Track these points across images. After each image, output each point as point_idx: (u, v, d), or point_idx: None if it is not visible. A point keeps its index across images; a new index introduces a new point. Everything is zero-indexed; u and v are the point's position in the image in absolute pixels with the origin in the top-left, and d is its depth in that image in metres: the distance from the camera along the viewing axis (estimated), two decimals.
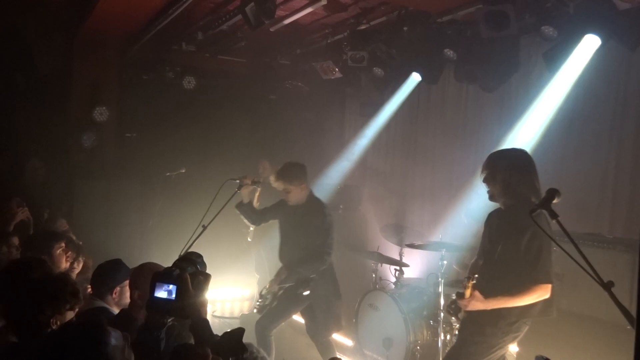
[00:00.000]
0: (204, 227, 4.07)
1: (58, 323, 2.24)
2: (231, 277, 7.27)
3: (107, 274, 3.08)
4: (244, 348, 1.94)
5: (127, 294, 3.04)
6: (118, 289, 3.05)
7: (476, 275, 3.16)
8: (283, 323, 4.57)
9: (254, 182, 4.44)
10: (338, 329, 4.65)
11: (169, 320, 1.96)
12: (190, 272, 1.94)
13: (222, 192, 4.29)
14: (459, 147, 6.29)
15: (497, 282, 3.17)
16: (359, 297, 5.49)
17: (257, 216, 4.63)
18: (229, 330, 1.96)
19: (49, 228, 5.02)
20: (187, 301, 1.87)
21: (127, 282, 3.07)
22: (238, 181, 4.43)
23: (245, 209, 4.58)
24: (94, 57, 6.86)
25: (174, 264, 1.97)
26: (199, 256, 2.05)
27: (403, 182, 7.05)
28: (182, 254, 3.82)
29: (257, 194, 4.67)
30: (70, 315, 2.32)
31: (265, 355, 2.17)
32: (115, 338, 1.75)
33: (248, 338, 2.18)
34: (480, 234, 3.56)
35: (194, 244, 4.07)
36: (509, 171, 3.22)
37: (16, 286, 2.33)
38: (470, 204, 5.12)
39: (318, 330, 4.47)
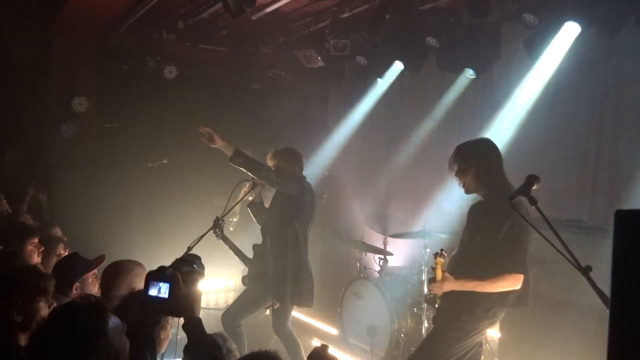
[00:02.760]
0: (217, 219, 4.32)
1: (22, 315, 2.19)
2: (216, 268, 7.21)
3: (65, 270, 3.04)
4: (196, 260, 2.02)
5: (90, 287, 3.01)
6: (78, 284, 3.01)
7: (445, 252, 3.20)
8: (252, 314, 4.58)
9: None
10: (303, 304, 4.50)
11: (162, 318, 1.96)
12: (185, 271, 1.93)
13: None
14: (442, 135, 6.30)
15: (472, 268, 3.20)
16: (344, 286, 5.51)
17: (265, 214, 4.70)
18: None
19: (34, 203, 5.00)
20: (179, 299, 1.87)
21: (87, 275, 3.04)
22: (251, 181, 4.56)
23: (256, 208, 4.70)
24: (72, 46, 6.72)
25: (171, 264, 1.97)
26: (197, 257, 2.06)
27: (387, 170, 7.05)
28: (191, 245, 3.90)
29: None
30: (43, 307, 2.26)
31: (232, 346, 2.16)
32: (113, 322, 1.78)
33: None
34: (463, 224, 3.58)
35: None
36: (480, 163, 3.25)
37: None
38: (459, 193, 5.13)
39: (277, 314, 4.44)
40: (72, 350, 1.68)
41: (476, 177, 3.24)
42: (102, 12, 6.03)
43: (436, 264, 3.15)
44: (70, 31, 6.53)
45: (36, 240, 3.66)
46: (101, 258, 3.21)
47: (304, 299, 4.41)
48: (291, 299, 4.37)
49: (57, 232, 4.71)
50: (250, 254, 4.99)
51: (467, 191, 3.33)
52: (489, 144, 3.35)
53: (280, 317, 4.48)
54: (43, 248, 3.70)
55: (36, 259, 3.62)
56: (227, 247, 4.62)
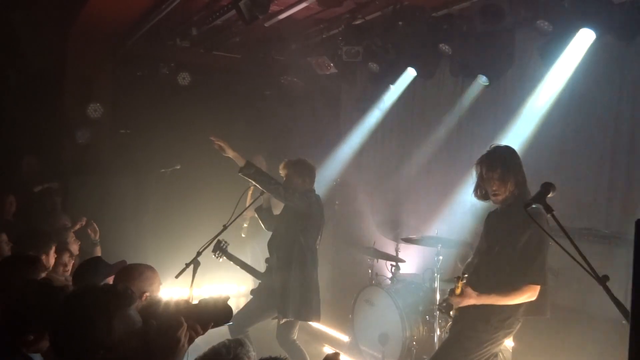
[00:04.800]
0: (225, 227, 4.21)
1: None
2: (226, 273, 7.24)
3: (88, 273, 3.06)
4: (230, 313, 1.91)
5: None
6: None
7: (466, 275, 3.15)
8: (260, 321, 4.57)
9: None
10: (304, 318, 4.47)
11: None
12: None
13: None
14: (455, 142, 6.27)
15: (491, 279, 3.16)
16: (355, 293, 5.48)
17: (274, 222, 4.70)
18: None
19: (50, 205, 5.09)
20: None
21: (108, 280, 3.05)
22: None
23: (264, 213, 4.72)
24: (88, 53, 6.82)
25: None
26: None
27: (399, 177, 7.03)
28: (200, 250, 3.92)
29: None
30: None
31: (240, 352, 2.15)
32: (134, 312, 1.75)
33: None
34: (479, 232, 3.54)
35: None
36: (520, 170, 3.18)
37: (9, 290, 2.26)
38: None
39: (281, 325, 4.44)
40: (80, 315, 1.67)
41: (515, 185, 3.14)
42: (117, 19, 6.10)
43: (458, 287, 3.09)
44: (86, 38, 6.62)
45: (55, 245, 3.72)
46: (122, 263, 3.24)
47: (311, 315, 4.40)
48: (296, 315, 4.37)
49: (72, 236, 4.76)
50: (260, 260, 5.00)
51: (498, 198, 3.21)
52: (515, 152, 3.28)
53: (284, 330, 4.46)
54: (56, 256, 3.75)
55: (52, 261, 3.67)
56: (239, 255, 4.63)
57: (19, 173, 6.37)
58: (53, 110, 6.83)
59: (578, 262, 2.09)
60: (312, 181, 4.55)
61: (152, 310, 1.94)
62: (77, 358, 1.66)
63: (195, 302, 1.97)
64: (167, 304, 2.13)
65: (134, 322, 1.74)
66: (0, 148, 6.29)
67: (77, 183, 6.62)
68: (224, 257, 4.49)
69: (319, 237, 4.54)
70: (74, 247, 4.57)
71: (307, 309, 4.36)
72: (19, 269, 2.72)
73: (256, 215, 4.82)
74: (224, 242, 4.43)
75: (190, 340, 1.81)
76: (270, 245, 4.58)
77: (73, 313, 1.69)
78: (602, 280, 2.01)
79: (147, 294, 2.71)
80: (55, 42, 6.70)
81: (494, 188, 3.18)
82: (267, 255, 4.67)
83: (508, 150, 3.30)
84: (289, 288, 4.33)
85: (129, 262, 3.27)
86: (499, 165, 3.16)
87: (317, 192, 4.58)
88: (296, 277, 4.34)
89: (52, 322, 1.74)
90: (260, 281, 4.65)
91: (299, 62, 7.21)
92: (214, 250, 4.39)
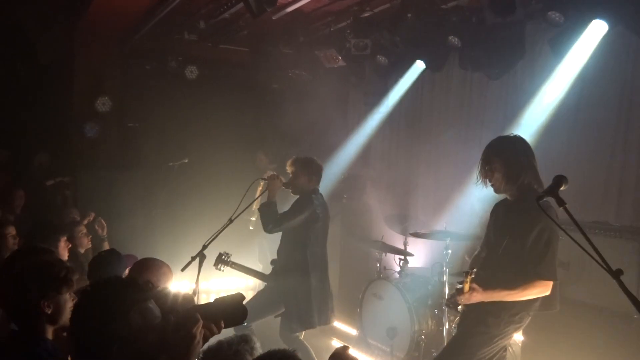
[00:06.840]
0: (230, 221, 4.15)
1: (51, 307, 2.18)
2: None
3: (104, 265, 3.07)
4: (245, 313, 1.88)
5: None
6: None
7: (474, 270, 3.13)
8: (262, 318, 4.55)
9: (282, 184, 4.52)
10: (306, 326, 4.46)
11: None
12: None
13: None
14: (464, 135, 6.24)
15: (500, 275, 3.13)
16: (363, 287, 5.48)
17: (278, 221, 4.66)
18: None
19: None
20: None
21: (124, 272, 3.06)
22: (267, 181, 4.52)
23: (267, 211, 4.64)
24: (96, 47, 6.84)
25: None
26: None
27: (407, 171, 7.01)
28: (206, 244, 3.90)
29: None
30: (66, 299, 2.25)
31: (241, 348, 2.15)
32: (153, 306, 1.74)
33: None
34: (486, 224, 3.51)
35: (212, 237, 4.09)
36: (509, 162, 3.13)
37: (8, 272, 2.29)
38: (482, 191, 5.05)
39: (283, 324, 4.44)
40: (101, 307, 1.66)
41: (504, 177, 3.13)
42: (125, 13, 6.10)
43: (466, 281, 3.08)
44: (94, 32, 6.63)
45: (66, 237, 3.74)
46: (132, 257, 3.26)
47: (311, 323, 4.39)
48: (299, 325, 4.38)
49: (82, 230, 4.79)
50: (268, 255, 4.99)
51: (497, 191, 3.22)
52: (518, 142, 3.22)
53: (286, 328, 4.46)
54: (70, 245, 3.77)
55: (66, 256, 3.70)
56: (247, 248, 4.61)
57: (29, 167, 6.42)
58: (62, 105, 6.86)
59: (591, 256, 2.06)
60: (318, 181, 4.50)
61: (170, 305, 1.92)
62: (92, 349, 1.65)
63: (208, 299, 1.95)
64: (177, 296, 2.12)
65: (153, 317, 1.72)
66: (10, 143, 6.34)
67: (86, 177, 6.65)
68: (227, 268, 4.43)
69: (324, 238, 4.51)
70: (84, 241, 4.61)
71: (308, 317, 4.35)
72: (21, 257, 2.72)
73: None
74: (225, 254, 4.38)
75: (205, 339, 1.79)
76: (278, 249, 4.58)
77: (91, 303, 1.69)
78: (616, 274, 1.99)
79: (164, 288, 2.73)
80: (63, 37, 6.72)
81: (488, 181, 3.19)
82: (275, 249, 4.66)
83: (504, 141, 3.26)
84: (289, 296, 4.35)
85: (138, 255, 3.30)
86: (485, 159, 3.18)
87: (323, 189, 4.54)
88: (295, 285, 4.33)
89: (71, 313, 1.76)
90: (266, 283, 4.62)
91: (307, 55, 7.18)
92: (216, 264, 4.35)
